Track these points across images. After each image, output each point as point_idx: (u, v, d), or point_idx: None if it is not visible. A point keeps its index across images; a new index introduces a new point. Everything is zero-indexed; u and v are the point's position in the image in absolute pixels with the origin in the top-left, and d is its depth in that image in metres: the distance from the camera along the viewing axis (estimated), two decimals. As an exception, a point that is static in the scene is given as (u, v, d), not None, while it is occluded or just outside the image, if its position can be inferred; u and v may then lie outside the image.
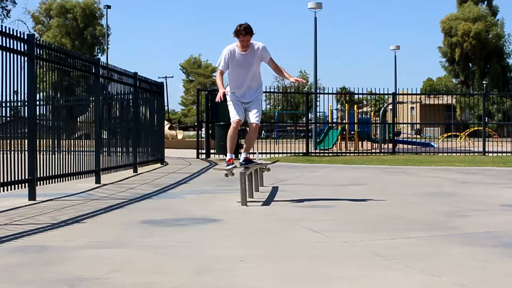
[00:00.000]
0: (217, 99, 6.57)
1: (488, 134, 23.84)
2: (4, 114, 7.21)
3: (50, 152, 7.82)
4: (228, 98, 6.81)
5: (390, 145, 20.69)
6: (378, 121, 26.75)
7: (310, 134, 21.47)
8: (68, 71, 8.79)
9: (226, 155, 6.99)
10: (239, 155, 17.46)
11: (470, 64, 63.60)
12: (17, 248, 4.08)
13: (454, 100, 50.53)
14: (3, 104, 6.87)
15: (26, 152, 6.95)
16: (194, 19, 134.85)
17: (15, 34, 6.70)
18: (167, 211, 5.97)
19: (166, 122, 27.04)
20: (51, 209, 6.05)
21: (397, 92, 24.25)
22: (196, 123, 21.91)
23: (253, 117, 6.81)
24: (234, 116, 6.74)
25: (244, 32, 6.51)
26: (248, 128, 6.98)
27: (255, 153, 17.40)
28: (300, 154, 18.67)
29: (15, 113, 7.88)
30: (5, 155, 6.53)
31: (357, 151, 21.60)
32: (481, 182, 9.49)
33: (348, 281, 3.24)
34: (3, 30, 6.49)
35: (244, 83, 6.76)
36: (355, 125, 24.59)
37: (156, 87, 13.83)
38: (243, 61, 6.68)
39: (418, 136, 36.08)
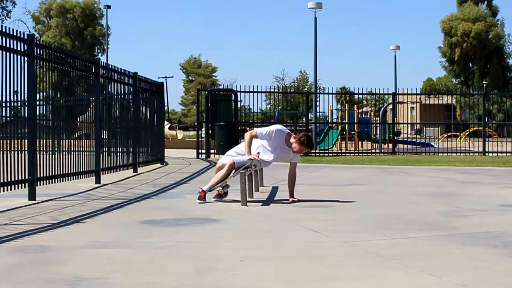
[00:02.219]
0: (256, 157, 6.72)
1: (488, 134, 23.84)
2: (4, 114, 7.21)
3: (50, 152, 7.82)
4: (255, 154, 6.85)
5: (390, 145, 20.69)
6: (378, 121, 26.74)
7: (310, 134, 21.44)
8: (68, 71, 8.79)
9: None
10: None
11: (470, 64, 63.60)
12: (17, 248, 4.08)
13: (454, 100, 50.53)
14: (3, 104, 6.87)
15: (26, 152, 6.95)
16: (194, 19, 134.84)
17: (15, 34, 6.70)
18: (167, 211, 5.98)
19: (166, 122, 27.03)
20: (51, 209, 6.05)
21: (397, 92, 24.25)
22: (196, 123, 21.92)
23: (235, 158, 6.87)
24: (223, 159, 7.01)
25: (308, 147, 6.79)
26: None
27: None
28: (299, 154, 18.65)
29: (15, 113, 7.88)
30: (5, 155, 6.53)
31: (357, 151, 21.60)
32: (481, 182, 9.50)
33: (348, 281, 3.24)
34: (3, 30, 6.50)
35: (270, 157, 6.93)
36: (355, 125, 24.58)
37: (156, 87, 13.83)
38: (284, 150, 6.84)
39: (418, 136, 36.09)
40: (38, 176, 7.18)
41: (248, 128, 6.99)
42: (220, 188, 6.85)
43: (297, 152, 6.84)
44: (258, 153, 6.84)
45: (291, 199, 6.77)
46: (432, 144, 26.70)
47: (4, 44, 6.53)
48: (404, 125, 37.82)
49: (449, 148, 21.98)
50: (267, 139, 6.83)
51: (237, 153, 7.00)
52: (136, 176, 10.62)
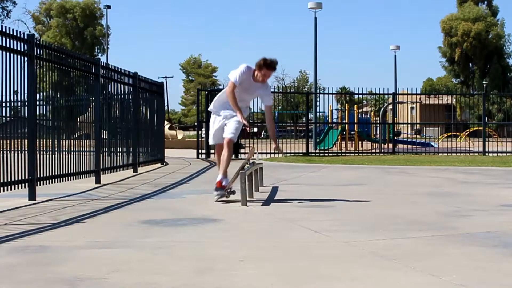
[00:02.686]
0: (245, 122, 6.51)
1: (488, 134, 23.84)
2: (4, 114, 7.21)
3: (50, 152, 7.82)
4: (212, 114, 6.77)
5: (390, 145, 20.69)
6: (378, 121, 26.74)
7: (310, 134, 21.47)
8: (68, 71, 8.79)
9: None
10: (239, 155, 17.40)
11: (470, 64, 63.62)
12: (17, 248, 4.08)
13: (454, 100, 50.53)
14: (3, 104, 6.87)
15: (26, 152, 6.95)
16: (194, 19, 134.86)
17: (15, 34, 6.70)
18: (167, 211, 5.97)
19: (166, 122, 27.03)
20: (51, 209, 6.05)
21: (397, 92, 24.24)
22: (196, 123, 21.90)
23: (227, 132, 6.68)
24: (212, 140, 6.83)
25: (270, 67, 6.50)
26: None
27: (255, 153, 17.41)
28: (300, 154, 18.67)
29: (15, 113, 7.88)
30: (5, 155, 6.53)
31: (357, 151, 21.60)
32: (481, 182, 9.50)
33: (348, 281, 3.24)
34: (3, 30, 6.49)
35: (243, 104, 6.73)
36: (355, 125, 24.59)
37: (156, 87, 13.83)
38: (251, 88, 6.66)
39: (418, 136, 36.08)
40: (38, 176, 7.18)
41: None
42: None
43: (262, 79, 6.57)
44: (246, 119, 6.61)
45: (274, 146, 6.77)
46: (432, 144, 26.70)
47: (4, 44, 6.53)
48: (404, 125, 37.83)
49: (449, 148, 21.99)
50: (241, 80, 6.55)
51: (223, 118, 6.71)
52: (136, 176, 10.62)
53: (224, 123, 6.76)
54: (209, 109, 6.92)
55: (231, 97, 6.56)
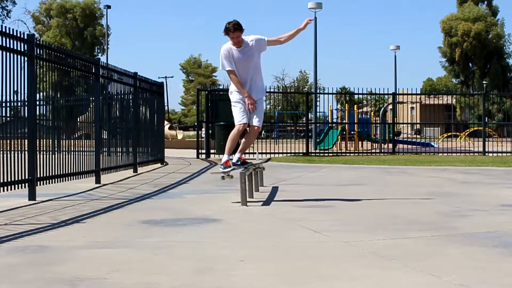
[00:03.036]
0: (251, 107, 6.63)
1: (488, 134, 23.84)
2: (4, 114, 7.21)
3: (50, 152, 7.82)
4: (232, 99, 6.80)
5: (390, 145, 20.69)
6: (378, 121, 26.74)
7: (310, 134, 21.47)
8: (68, 71, 8.79)
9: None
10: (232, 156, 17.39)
11: (470, 64, 63.63)
12: (17, 248, 4.08)
13: (454, 100, 50.54)
14: (3, 104, 6.86)
15: (26, 152, 6.95)
16: (194, 19, 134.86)
17: (15, 34, 6.70)
18: (167, 211, 5.97)
19: (166, 122, 27.04)
20: (51, 209, 6.05)
21: (397, 92, 24.24)
22: (196, 123, 21.91)
23: (255, 120, 6.78)
24: (239, 120, 6.73)
25: (233, 28, 6.52)
26: (249, 129, 6.96)
27: (255, 153, 17.42)
28: (300, 154, 18.67)
29: (15, 113, 7.88)
30: (5, 155, 6.53)
31: (357, 151, 21.60)
32: (481, 182, 9.50)
33: (348, 281, 3.24)
34: (3, 30, 6.49)
35: (247, 78, 6.75)
36: (355, 125, 24.59)
37: (156, 87, 13.82)
38: (242, 57, 6.68)
39: (418, 136, 36.07)
40: (38, 176, 7.18)
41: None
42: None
43: (237, 42, 6.58)
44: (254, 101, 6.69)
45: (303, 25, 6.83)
46: (432, 144, 26.70)
47: (4, 44, 6.53)
48: (404, 125, 37.84)
49: (449, 148, 21.98)
50: (230, 60, 6.62)
51: (242, 104, 6.75)
52: (136, 176, 10.62)
53: (247, 108, 6.76)
54: (230, 89, 6.92)
55: (235, 83, 6.71)
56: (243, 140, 7.00)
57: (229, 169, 6.65)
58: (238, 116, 6.73)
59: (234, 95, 6.80)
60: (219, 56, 6.76)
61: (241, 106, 6.74)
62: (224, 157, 6.76)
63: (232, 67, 6.66)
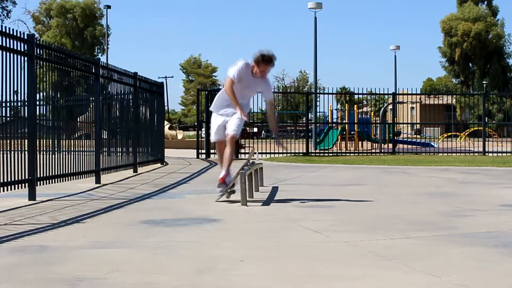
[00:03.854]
0: (245, 118, 6.51)
1: (488, 134, 23.84)
2: (4, 114, 7.21)
3: (50, 152, 7.82)
4: (213, 113, 6.75)
5: (390, 145, 20.69)
6: (378, 121, 26.74)
7: (310, 134, 21.47)
8: (68, 71, 8.79)
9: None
10: (240, 155, 17.37)
11: (470, 64, 63.63)
12: (17, 248, 4.08)
13: (454, 100, 50.53)
14: (3, 104, 6.86)
15: (26, 152, 6.95)
16: (194, 19, 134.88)
17: (15, 34, 6.69)
18: (167, 211, 5.97)
19: (166, 122, 27.02)
20: (51, 209, 6.05)
21: (397, 92, 24.24)
22: (196, 123, 21.91)
23: (230, 129, 6.61)
24: (214, 137, 6.80)
25: (268, 62, 6.46)
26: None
27: (256, 153, 17.41)
28: (300, 154, 18.67)
29: (15, 113, 7.88)
30: (5, 155, 6.53)
31: (357, 151, 21.60)
32: (481, 182, 9.50)
33: (348, 281, 3.24)
34: (3, 30, 6.49)
35: (242, 97, 6.69)
36: (355, 125, 24.59)
37: (156, 87, 13.82)
38: (251, 84, 6.62)
39: (418, 136, 36.08)
40: (38, 176, 7.18)
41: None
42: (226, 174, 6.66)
43: (262, 75, 6.52)
44: (248, 113, 6.67)
45: (275, 135, 6.83)
46: (432, 144, 26.70)
47: (4, 44, 6.53)
48: (404, 125, 37.83)
49: (449, 148, 21.99)
50: (240, 76, 6.49)
51: (224, 116, 6.66)
52: (136, 176, 10.62)
53: (225, 121, 6.70)
54: (210, 108, 6.89)
55: (230, 92, 6.51)
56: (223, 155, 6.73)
57: (222, 188, 6.55)
58: (212, 133, 6.84)
59: (214, 109, 6.80)
60: (234, 62, 6.65)
61: (217, 121, 6.74)
62: (222, 173, 6.61)
63: (236, 81, 6.53)
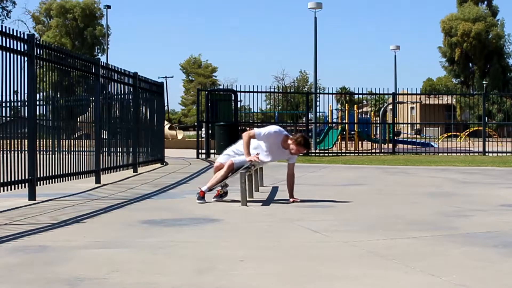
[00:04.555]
0: (252, 158, 6.68)
1: (488, 134, 23.84)
2: (4, 114, 7.21)
3: (50, 152, 7.82)
4: (255, 156, 6.84)
5: (390, 145, 20.69)
6: (378, 121, 26.74)
7: (310, 134, 21.47)
8: (68, 71, 8.79)
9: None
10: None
11: (470, 64, 63.61)
12: (17, 248, 4.08)
13: (454, 100, 50.52)
14: (3, 104, 6.86)
15: (26, 152, 6.95)
16: (194, 19, 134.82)
17: (15, 34, 6.69)
18: (167, 211, 5.98)
19: (166, 122, 27.02)
20: (51, 209, 6.05)
21: (397, 92, 24.24)
22: (196, 123, 21.91)
23: (234, 158, 6.89)
24: (220, 159, 7.04)
25: (305, 147, 6.78)
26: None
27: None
28: (300, 154, 18.64)
29: (15, 113, 7.88)
30: (5, 155, 6.53)
31: (357, 151, 21.59)
32: (481, 182, 9.50)
33: (348, 281, 3.24)
34: (3, 30, 6.49)
35: (267, 157, 6.92)
36: (355, 125, 24.58)
37: (156, 87, 13.82)
38: (277, 151, 6.87)
39: (418, 136, 36.07)
40: (38, 176, 7.18)
41: (247, 128, 7.04)
42: (220, 188, 6.86)
43: (295, 153, 6.82)
44: (258, 154, 6.82)
45: (291, 200, 6.75)
46: (432, 144, 26.69)
47: (4, 44, 6.53)
48: (404, 125, 37.81)
49: (449, 148, 21.98)
50: (264, 140, 6.80)
51: (235, 153, 6.97)
52: (136, 176, 10.62)
53: (235, 156, 6.96)
54: (225, 153, 7.16)
55: (246, 139, 6.76)
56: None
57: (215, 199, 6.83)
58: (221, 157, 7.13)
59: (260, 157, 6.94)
60: (265, 127, 6.92)
61: (227, 154, 7.00)
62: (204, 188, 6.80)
63: (258, 139, 6.79)
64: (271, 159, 6.97)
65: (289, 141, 6.75)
